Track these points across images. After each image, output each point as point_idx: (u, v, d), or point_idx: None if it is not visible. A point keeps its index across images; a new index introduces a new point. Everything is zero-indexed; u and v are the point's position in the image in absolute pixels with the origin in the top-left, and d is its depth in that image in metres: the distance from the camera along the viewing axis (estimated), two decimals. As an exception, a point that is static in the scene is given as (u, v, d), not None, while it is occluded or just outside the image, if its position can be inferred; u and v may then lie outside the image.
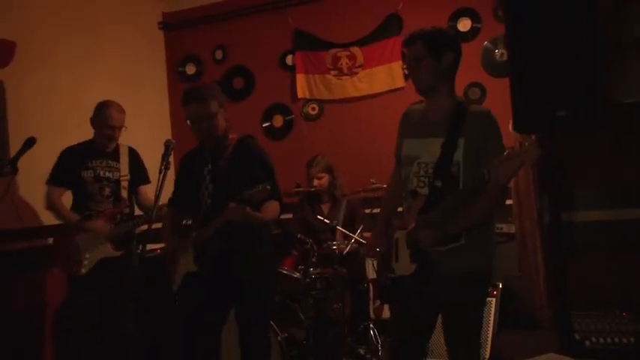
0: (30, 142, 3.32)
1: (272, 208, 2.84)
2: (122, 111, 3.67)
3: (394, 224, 2.56)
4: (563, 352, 2.65)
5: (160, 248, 4.22)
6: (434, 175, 2.31)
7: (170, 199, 3.14)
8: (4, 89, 3.47)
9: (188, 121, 2.88)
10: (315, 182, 4.27)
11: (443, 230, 2.25)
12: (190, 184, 2.99)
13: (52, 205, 3.65)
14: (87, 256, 3.53)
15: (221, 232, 2.75)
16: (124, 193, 3.65)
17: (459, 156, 2.27)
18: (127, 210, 3.68)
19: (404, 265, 2.41)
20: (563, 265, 2.85)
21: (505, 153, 1.98)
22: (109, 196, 3.63)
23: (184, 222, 3.20)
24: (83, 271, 3.52)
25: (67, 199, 3.69)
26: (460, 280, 2.30)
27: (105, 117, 3.60)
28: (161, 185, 2.77)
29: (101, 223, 3.56)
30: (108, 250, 3.53)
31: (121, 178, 3.66)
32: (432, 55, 2.36)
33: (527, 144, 1.94)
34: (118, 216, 3.60)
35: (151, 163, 3.80)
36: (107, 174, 3.65)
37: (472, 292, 2.36)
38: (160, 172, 2.80)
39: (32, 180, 3.71)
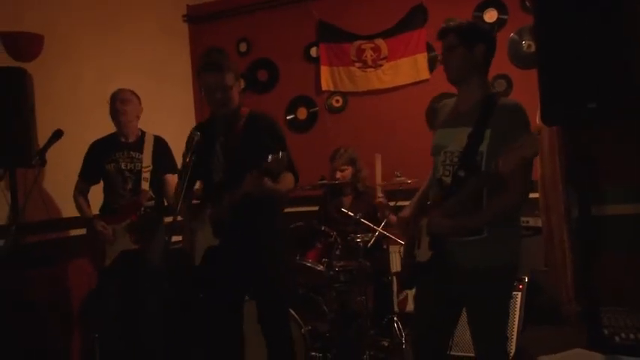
0: (57, 135, 3.35)
1: (288, 179, 2.84)
2: (129, 100, 3.65)
3: (421, 213, 2.55)
4: (591, 348, 2.61)
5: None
6: (458, 165, 2.32)
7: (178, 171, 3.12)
8: (32, 82, 3.51)
9: (202, 90, 2.90)
10: (338, 175, 4.26)
11: (457, 220, 2.26)
12: (201, 157, 2.93)
13: (74, 199, 3.73)
14: (110, 247, 3.59)
15: (237, 204, 2.75)
16: (145, 185, 3.63)
17: (483, 147, 2.28)
18: (149, 202, 3.68)
19: (423, 252, 2.42)
20: (591, 260, 2.80)
21: (507, 149, 2.04)
22: (131, 189, 3.65)
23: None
24: (107, 262, 3.58)
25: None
26: (483, 274, 2.29)
27: (111, 109, 3.64)
28: (186, 176, 2.78)
29: (99, 223, 3.58)
30: (127, 243, 3.56)
31: (143, 170, 3.65)
32: (464, 45, 2.39)
33: (527, 138, 2.00)
34: (142, 208, 3.61)
35: (177, 154, 3.82)
36: (129, 165, 3.66)
37: (496, 287, 2.33)
38: (184, 164, 2.82)
39: (58, 172, 3.77)
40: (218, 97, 2.83)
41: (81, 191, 3.75)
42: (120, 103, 3.64)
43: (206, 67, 2.85)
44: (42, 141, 3.43)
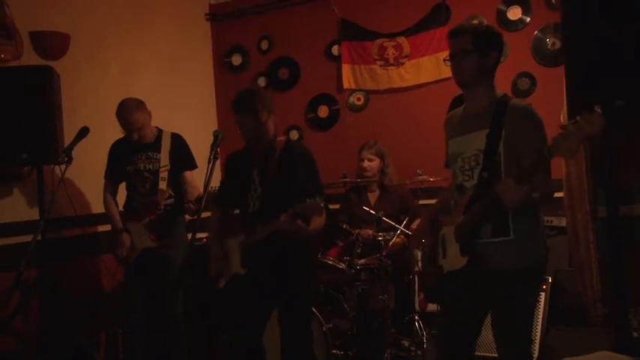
0: (84, 132, 3.40)
1: (319, 220, 2.87)
2: (135, 110, 3.62)
3: (440, 220, 2.55)
4: (619, 350, 2.58)
5: (205, 237, 4.28)
6: (482, 165, 2.30)
7: (215, 198, 3.15)
8: (59, 80, 3.56)
9: (237, 126, 2.93)
10: (366, 164, 4.25)
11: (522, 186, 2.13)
12: (237, 185, 3.03)
13: (104, 201, 3.81)
14: (133, 245, 3.64)
15: (268, 237, 2.81)
16: (162, 185, 3.65)
17: (501, 146, 2.28)
18: (169, 200, 3.69)
19: (453, 260, 2.40)
20: (619, 260, 2.77)
21: (565, 128, 1.94)
22: (150, 188, 3.68)
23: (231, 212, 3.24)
24: (131, 259, 3.63)
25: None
26: (510, 275, 2.28)
27: (119, 121, 3.64)
28: (210, 175, 2.81)
29: (124, 239, 3.64)
30: (147, 241, 3.61)
31: (160, 169, 3.67)
32: (479, 51, 2.36)
33: (590, 116, 1.88)
34: (160, 207, 3.64)
35: (197, 153, 3.85)
36: (148, 166, 3.70)
37: (522, 288, 2.31)
38: (208, 162, 2.85)
39: (84, 169, 3.82)
40: (252, 134, 2.90)
41: (110, 192, 3.81)
42: (124, 118, 3.61)
43: (238, 107, 2.91)
44: (67, 138, 3.48)
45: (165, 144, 3.74)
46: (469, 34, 2.37)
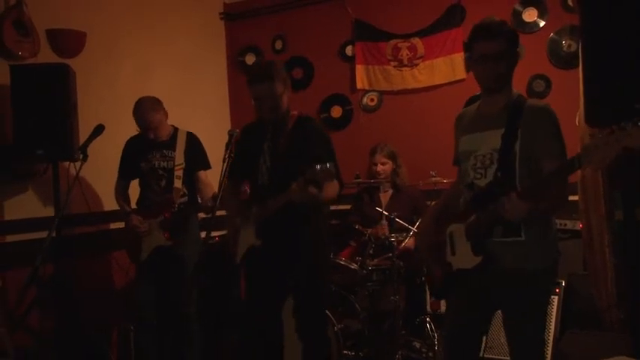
0: (99, 129, 3.42)
1: (333, 187, 2.83)
2: (151, 109, 3.63)
3: (446, 217, 2.52)
4: (636, 357, 2.55)
5: (218, 236, 4.29)
6: (498, 165, 2.27)
7: (229, 173, 3.07)
8: (75, 78, 3.58)
9: (252, 99, 2.91)
10: (379, 168, 4.26)
11: (532, 204, 2.11)
12: (248, 157, 3.00)
13: (115, 197, 3.82)
14: (145, 242, 3.64)
15: (280, 209, 2.77)
16: (178, 183, 3.65)
17: (517, 147, 2.24)
18: (183, 199, 3.69)
19: (464, 258, 2.37)
20: (635, 264, 2.74)
21: (600, 137, 1.85)
22: (164, 186, 3.68)
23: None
24: (143, 257, 3.65)
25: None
26: (522, 277, 2.25)
27: (135, 119, 3.65)
28: (225, 174, 2.81)
29: (135, 218, 3.64)
30: (161, 239, 3.61)
31: (175, 168, 3.67)
32: (511, 52, 2.32)
33: (629, 127, 1.80)
34: (175, 205, 3.63)
35: (210, 151, 3.87)
36: (162, 164, 3.70)
37: (535, 290, 2.29)
38: (223, 161, 2.85)
39: (98, 166, 3.83)
40: (268, 105, 2.86)
41: (121, 190, 3.82)
42: (140, 116, 3.63)
43: (255, 77, 2.88)
44: (82, 135, 3.50)
45: (181, 142, 3.74)
46: (504, 36, 2.29)
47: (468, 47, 2.43)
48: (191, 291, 3.66)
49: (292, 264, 2.92)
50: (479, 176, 2.34)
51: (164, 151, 3.72)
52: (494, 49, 2.27)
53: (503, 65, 2.31)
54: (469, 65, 2.45)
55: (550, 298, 2.41)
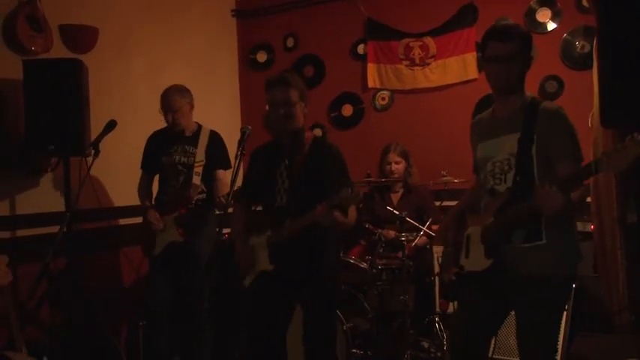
0: (111, 125, 3.43)
1: (354, 212, 2.84)
2: (176, 92, 3.65)
3: (468, 220, 2.52)
4: (647, 359, 2.54)
5: (227, 233, 4.29)
6: (516, 170, 2.27)
7: (239, 193, 3.05)
8: (87, 73, 3.59)
9: (267, 106, 2.89)
10: (393, 167, 4.25)
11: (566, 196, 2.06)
12: (263, 179, 2.94)
13: (137, 192, 3.82)
14: (159, 238, 3.64)
15: (298, 232, 2.75)
16: (196, 179, 3.63)
17: (533, 150, 2.24)
18: (201, 195, 3.68)
19: (475, 261, 2.38)
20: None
21: (621, 144, 1.85)
22: (183, 182, 3.67)
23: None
24: (156, 252, 3.64)
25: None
26: (542, 282, 2.23)
27: (160, 103, 3.67)
28: (237, 171, 2.81)
29: (153, 214, 3.63)
30: (175, 235, 3.60)
31: (195, 164, 3.66)
32: (525, 54, 2.32)
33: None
34: (192, 202, 3.62)
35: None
36: (183, 159, 3.69)
37: (552, 296, 2.28)
38: (236, 158, 2.84)
39: (109, 162, 3.84)
40: (282, 112, 2.82)
41: (144, 185, 3.83)
42: (165, 98, 3.65)
43: (273, 82, 2.86)
44: (94, 131, 3.51)
45: (203, 139, 3.73)
46: (518, 39, 2.29)
47: (481, 47, 2.41)
48: (203, 288, 3.65)
49: (308, 286, 2.87)
50: (498, 182, 2.35)
51: (186, 146, 3.71)
52: (507, 50, 2.28)
53: (516, 67, 2.30)
54: (481, 65, 2.44)
55: (565, 304, 2.38)
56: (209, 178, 3.72)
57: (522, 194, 2.20)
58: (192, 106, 3.75)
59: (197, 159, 3.67)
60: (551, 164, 2.23)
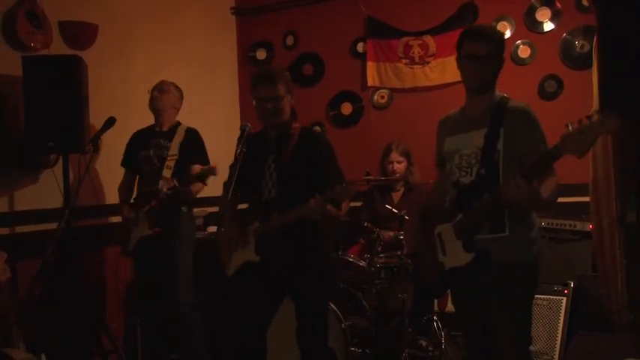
0: (110, 122, 3.43)
1: (347, 206, 2.83)
2: (167, 90, 3.69)
3: (433, 218, 2.54)
4: (646, 358, 2.55)
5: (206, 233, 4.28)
6: (480, 164, 2.34)
7: (226, 184, 3.00)
8: (87, 70, 3.59)
9: (254, 102, 2.88)
10: (396, 166, 4.25)
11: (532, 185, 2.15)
12: (251, 171, 2.90)
13: (118, 188, 3.83)
14: (133, 233, 3.63)
15: (290, 224, 2.73)
16: (167, 173, 3.60)
17: (500, 145, 2.32)
18: (171, 190, 3.55)
19: (456, 257, 2.40)
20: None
21: (576, 126, 1.96)
22: (156, 176, 3.64)
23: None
24: (130, 247, 3.63)
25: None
26: (506, 270, 2.30)
27: (150, 98, 3.69)
28: (238, 169, 2.79)
29: (125, 207, 3.65)
30: (144, 229, 3.58)
31: (168, 158, 3.65)
32: (498, 55, 2.39)
33: (603, 116, 1.91)
34: (161, 194, 3.53)
35: (221, 146, 3.85)
36: (157, 153, 3.69)
37: (518, 284, 2.34)
38: (235, 156, 2.82)
39: (108, 159, 3.85)
40: (269, 107, 2.81)
41: (125, 184, 3.82)
42: (157, 93, 3.70)
43: (258, 79, 2.86)
44: (93, 127, 3.51)
45: (179, 135, 3.72)
46: (493, 40, 2.40)
47: (457, 46, 2.49)
48: (186, 288, 3.62)
49: (297, 278, 2.86)
50: (464, 174, 2.41)
51: (161, 140, 3.71)
52: (482, 50, 2.36)
53: (490, 68, 2.39)
54: (457, 64, 2.51)
55: (534, 295, 2.43)
56: (181, 173, 3.60)
57: (485, 187, 2.27)
58: (179, 103, 3.79)
59: (170, 152, 3.66)
60: (521, 160, 2.28)
